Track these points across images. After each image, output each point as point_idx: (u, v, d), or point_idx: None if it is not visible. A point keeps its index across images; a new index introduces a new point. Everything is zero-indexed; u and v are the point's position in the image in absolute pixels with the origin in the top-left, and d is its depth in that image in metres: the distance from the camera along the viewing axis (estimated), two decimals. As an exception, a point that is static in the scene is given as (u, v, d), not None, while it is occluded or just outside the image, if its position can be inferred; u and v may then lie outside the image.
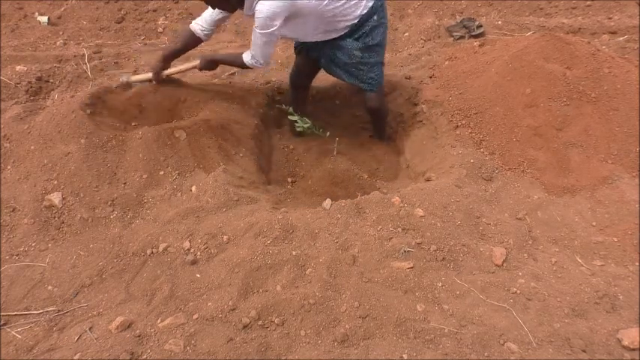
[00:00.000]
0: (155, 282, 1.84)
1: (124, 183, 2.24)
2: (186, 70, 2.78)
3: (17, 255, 1.99)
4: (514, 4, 4.54)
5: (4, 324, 1.71)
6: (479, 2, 4.67)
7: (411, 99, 3.10)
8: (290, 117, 2.80)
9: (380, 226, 1.97)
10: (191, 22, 2.66)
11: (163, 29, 4.43)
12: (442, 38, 3.98)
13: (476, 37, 3.80)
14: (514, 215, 2.13)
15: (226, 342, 1.56)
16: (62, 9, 4.61)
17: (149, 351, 1.55)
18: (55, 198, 2.13)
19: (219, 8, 2.45)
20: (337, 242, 1.91)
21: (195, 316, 1.66)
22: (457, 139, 2.59)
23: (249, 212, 2.10)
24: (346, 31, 2.49)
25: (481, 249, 1.92)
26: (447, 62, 3.24)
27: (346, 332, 1.59)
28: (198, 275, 1.84)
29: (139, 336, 1.60)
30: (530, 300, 1.70)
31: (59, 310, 1.76)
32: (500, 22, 4.17)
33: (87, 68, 3.27)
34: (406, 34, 4.23)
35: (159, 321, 1.66)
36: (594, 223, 2.09)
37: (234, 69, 3.17)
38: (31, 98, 3.02)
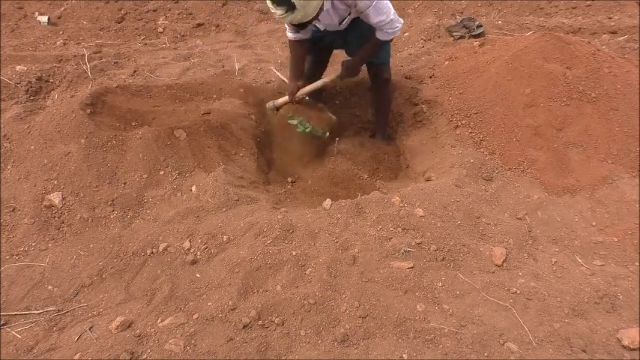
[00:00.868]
0: (155, 282, 1.84)
1: (124, 183, 2.24)
2: (324, 85, 2.78)
3: (17, 255, 1.99)
4: (514, 4, 4.54)
5: (4, 324, 1.71)
6: (479, 2, 4.67)
7: (411, 99, 3.10)
8: (290, 121, 2.80)
9: (380, 226, 1.98)
10: (288, 36, 2.67)
11: (163, 29, 4.43)
12: (442, 38, 3.98)
13: (476, 37, 3.80)
14: (514, 215, 2.13)
15: (226, 342, 1.56)
16: (62, 9, 4.61)
17: (149, 351, 1.55)
18: (55, 198, 2.13)
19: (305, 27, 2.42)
20: (337, 242, 1.91)
21: (195, 316, 1.66)
22: (457, 139, 2.59)
23: (249, 212, 2.10)
24: None
25: (481, 249, 1.92)
26: (447, 62, 3.24)
27: (346, 332, 1.59)
28: (198, 275, 1.84)
29: (139, 336, 1.60)
30: (530, 300, 1.70)
31: (59, 310, 1.76)
32: (500, 22, 4.17)
33: (87, 68, 3.27)
34: (406, 34, 4.23)
35: (159, 321, 1.66)
36: (594, 223, 2.10)
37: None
38: (31, 98, 3.02)
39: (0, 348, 1.61)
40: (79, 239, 2.04)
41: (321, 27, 2.64)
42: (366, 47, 2.65)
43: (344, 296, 1.70)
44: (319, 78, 3.05)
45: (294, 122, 2.79)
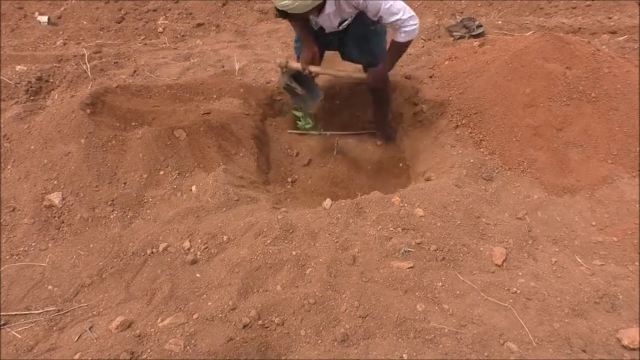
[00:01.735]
0: (155, 282, 1.84)
1: (124, 183, 2.24)
2: (343, 77, 2.64)
3: (17, 255, 1.99)
4: (514, 3, 4.54)
5: (5, 324, 1.71)
6: (479, 2, 4.67)
7: (410, 99, 3.10)
8: (295, 112, 2.79)
9: (380, 226, 1.98)
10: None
11: (163, 29, 4.43)
12: (442, 38, 3.98)
13: (476, 36, 3.80)
14: (514, 215, 2.13)
15: (226, 342, 1.56)
16: (62, 9, 4.61)
17: (149, 351, 1.55)
18: (55, 198, 2.13)
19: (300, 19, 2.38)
20: (337, 242, 1.91)
21: (195, 316, 1.66)
22: (457, 138, 2.59)
23: (249, 212, 2.10)
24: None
25: (481, 249, 1.92)
26: (446, 62, 3.24)
27: (346, 332, 1.59)
28: (198, 275, 1.84)
29: (139, 336, 1.60)
30: (530, 300, 1.70)
31: (59, 310, 1.76)
32: (500, 22, 4.17)
33: (87, 68, 3.27)
34: (406, 33, 4.22)
35: (159, 321, 1.66)
36: (594, 223, 2.10)
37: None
38: (31, 98, 3.02)
39: (0, 348, 1.61)
40: (79, 239, 2.04)
41: (315, 27, 2.60)
42: (389, 55, 2.58)
43: (344, 296, 1.70)
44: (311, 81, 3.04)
45: (299, 115, 2.79)
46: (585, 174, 2.31)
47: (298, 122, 2.79)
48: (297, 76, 2.65)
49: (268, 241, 1.91)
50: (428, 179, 2.45)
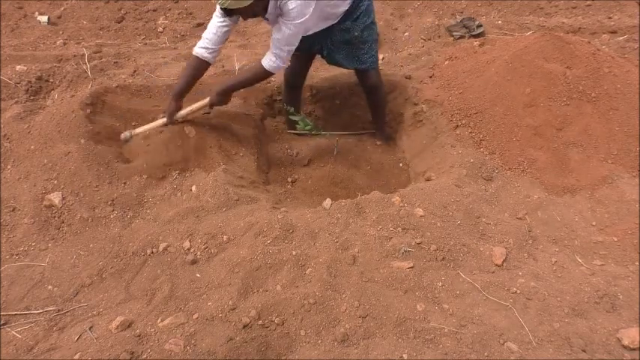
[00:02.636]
0: (155, 282, 1.84)
1: (124, 183, 2.24)
2: (201, 107, 2.53)
3: (17, 255, 1.99)
4: (514, 3, 4.54)
5: (4, 324, 1.71)
6: (479, 2, 4.67)
7: (410, 99, 3.10)
8: (292, 117, 2.81)
9: (380, 226, 1.98)
10: (195, 50, 2.41)
11: (163, 29, 4.43)
12: (442, 38, 3.98)
13: (476, 36, 3.80)
14: (514, 215, 2.13)
15: (226, 341, 1.56)
16: (62, 9, 4.61)
17: (149, 350, 1.55)
18: (55, 198, 2.13)
19: (249, 17, 2.30)
20: (337, 242, 1.91)
21: (195, 316, 1.66)
22: (457, 138, 2.59)
23: (249, 212, 2.10)
24: (342, 15, 2.52)
25: (481, 249, 1.92)
26: (447, 62, 3.24)
27: (346, 332, 1.59)
28: (198, 275, 1.84)
29: (139, 336, 1.60)
30: (530, 300, 1.70)
31: (59, 310, 1.76)
32: (500, 22, 4.17)
33: (87, 68, 3.27)
34: (406, 33, 4.23)
35: (159, 321, 1.66)
36: (594, 223, 2.09)
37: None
38: (31, 98, 3.02)
39: (0, 348, 1.61)
40: (79, 239, 2.04)
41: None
42: (243, 71, 2.49)
43: (344, 296, 1.70)
44: (299, 86, 3.02)
45: (297, 119, 2.79)
46: (585, 174, 2.30)
47: (297, 125, 2.80)
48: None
49: (268, 241, 1.91)
50: (428, 179, 2.45)
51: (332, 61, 2.78)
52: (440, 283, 1.76)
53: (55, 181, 2.19)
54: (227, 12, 2.18)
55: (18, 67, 3.20)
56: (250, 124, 2.89)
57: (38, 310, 1.76)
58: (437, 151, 2.66)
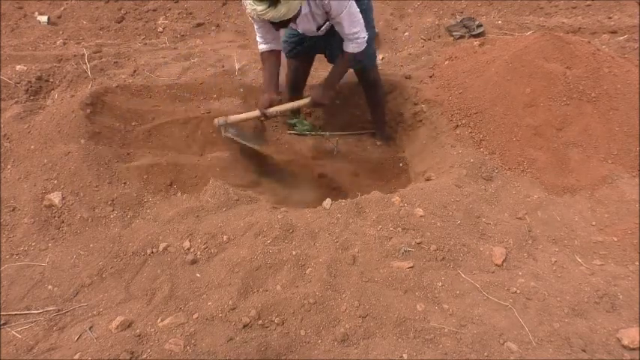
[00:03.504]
0: (155, 281, 1.84)
1: (124, 183, 2.24)
2: (301, 105, 2.61)
3: (17, 254, 1.99)
4: (514, 3, 4.53)
5: (5, 323, 1.71)
6: (479, 2, 4.67)
7: (410, 99, 3.10)
8: (289, 121, 2.81)
9: (380, 226, 1.98)
10: (260, 48, 2.49)
11: (163, 29, 4.43)
12: (442, 38, 3.98)
13: (476, 36, 3.80)
14: (514, 215, 2.13)
15: (226, 341, 1.56)
16: (62, 8, 4.61)
17: (149, 350, 1.55)
18: (55, 197, 2.13)
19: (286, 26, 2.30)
20: (337, 242, 1.91)
21: (195, 316, 1.66)
22: (457, 138, 2.59)
23: (249, 212, 2.10)
24: None
25: (481, 249, 1.92)
26: (447, 62, 3.24)
27: (346, 332, 1.59)
28: (198, 275, 1.84)
29: (139, 335, 1.60)
30: (530, 299, 1.70)
31: (59, 310, 1.76)
32: (500, 22, 4.17)
33: (87, 68, 3.27)
34: (406, 33, 4.23)
35: (159, 320, 1.66)
36: (594, 223, 2.09)
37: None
38: (31, 98, 3.02)
39: (0, 348, 1.61)
40: (79, 239, 2.04)
41: (300, 30, 2.53)
42: (335, 67, 2.53)
43: (344, 296, 1.70)
44: (301, 88, 3.01)
45: (293, 122, 2.79)
46: (585, 174, 2.30)
47: (295, 127, 2.80)
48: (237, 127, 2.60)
49: (268, 241, 1.91)
50: (428, 179, 2.45)
51: (333, 59, 2.78)
52: (440, 283, 1.76)
53: (55, 181, 2.19)
54: (282, 24, 2.14)
55: (18, 67, 3.20)
56: (250, 124, 2.88)
57: (38, 309, 1.76)
58: (437, 151, 2.66)
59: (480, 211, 2.10)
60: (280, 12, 1.98)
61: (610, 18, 4.14)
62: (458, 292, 1.74)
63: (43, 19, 4.42)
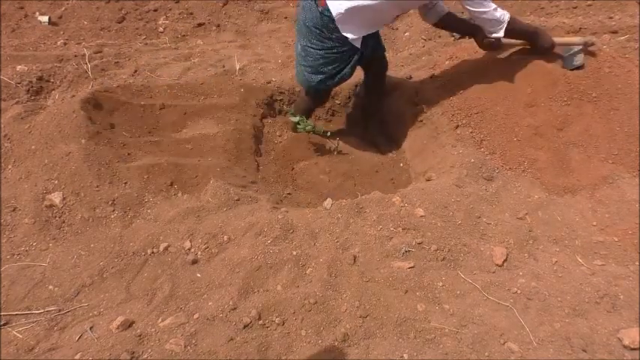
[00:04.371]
0: (156, 282, 1.84)
1: (125, 183, 2.24)
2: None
3: (18, 254, 1.99)
4: (514, 3, 4.53)
5: (5, 324, 1.71)
6: (479, 2, 4.65)
7: (411, 99, 3.10)
8: (292, 118, 2.81)
9: (380, 226, 1.98)
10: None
11: (164, 29, 4.43)
12: (443, 38, 3.97)
13: (476, 36, 3.79)
14: (515, 215, 2.12)
15: (227, 341, 1.56)
16: (63, 9, 4.61)
17: (150, 350, 1.55)
18: (56, 198, 2.14)
19: None
20: (337, 242, 1.91)
21: (195, 316, 1.66)
22: (458, 138, 2.58)
23: (249, 212, 2.10)
24: None
25: (482, 249, 1.92)
26: (447, 62, 3.23)
27: (347, 332, 1.59)
28: (199, 275, 1.84)
29: (140, 335, 1.60)
30: (531, 300, 1.70)
31: (60, 310, 1.76)
32: (500, 22, 4.15)
33: (88, 68, 3.27)
34: (407, 33, 4.23)
35: (159, 320, 1.66)
36: (595, 223, 2.09)
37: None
38: (32, 98, 3.02)
39: (0, 348, 1.62)
40: (79, 239, 2.04)
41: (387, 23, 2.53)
42: (516, 22, 2.50)
43: (344, 296, 1.70)
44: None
45: (297, 120, 2.79)
46: (586, 174, 2.30)
47: (298, 126, 2.80)
48: None
49: (269, 241, 1.91)
50: (428, 179, 2.45)
51: (372, 55, 2.71)
52: (440, 283, 1.76)
53: (56, 181, 2.19)
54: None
55: (19, 67, 3.20)
56: (251, 123, 2.89)
57: (39, 309, 1.77)
58: (437, 151, 2.66)
59: (480, 211, 2.10)
60: None
61: (611, 18, 4.13)
62: (458, 292, 1.74)
63: (44, 19, 4.42)
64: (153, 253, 1.95)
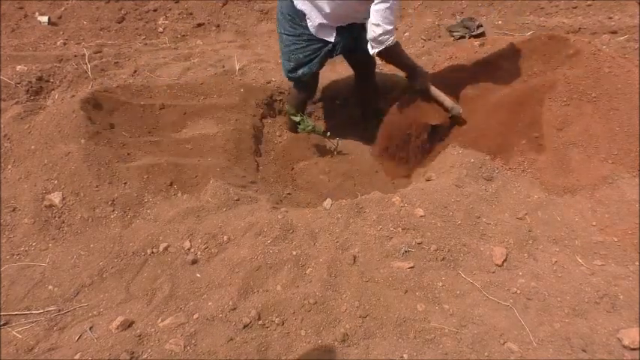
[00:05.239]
0: (155, 282, 1.84)
1: (125, 183, 2.24)
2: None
3: (18, 255, 1.99)
4: (514, 3, 4.53)
5: (5, 324, 1.71)
6: (479, 2, 4.67)
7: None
8: (293, 117, 2.81)
9: (380, 226, 1.97)
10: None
11: (164, 29, 4.43)
12: (442, 38, 3.98)
13: (476, 37, 3.80)
14: (514, 215, 2.12)
15: (227, 342, 1.56)
16: (62, 9, 4.61)
17: (149, 350, 1.55)
18: (56, 198, 2.13)
19: None
20: (337, 242, 1.91)
21: (195, 316, 1.66)
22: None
23: (249, 212, 2.10)
24: None
25: (481, 249, 1.92)
26: (447, 62, 3.23)
27: (346, 332, 1.59)
28: (199, 275, 1.84)
29: (140, 336, 1.60)
30: (531, 300, 1.70)
31: (60, 310, 1.76)
32: (500, 22, 4.18)
33: (87, 68, 3.27)
34: (406, 33, 4.23)
35: (159, 321, 1.66)
36: (594, 223, 2.09)
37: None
38: (32, 98, 3.02)
39: (0, 348, 1.61)
40: (79, 239, 2.04)
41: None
42: (398, 55, 2.55)
43: (344, 296, 1.70)
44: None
45: (298, 119, 2.79)
46: (586, 174, 2.30)
47: (298, 126, 2.80)
48: None
49: (268, 241, 1.91)
50: (428, 179, 2.45)
51: (358, 50, 2.69)
52: (440, 283, 1.76)
53: (56, 181, 2.19)
54: None
55: (18, 68, 3.20)
56: (250, 123, 2.89)
57: (39, 310, 1.77)
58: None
59: (480, 211, 2.10)
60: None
61: (610, 18, 4.14)
62: (458, 292, 1.74)
63: (44, 19, 4.42)
64: (152, 253, 1.95)
